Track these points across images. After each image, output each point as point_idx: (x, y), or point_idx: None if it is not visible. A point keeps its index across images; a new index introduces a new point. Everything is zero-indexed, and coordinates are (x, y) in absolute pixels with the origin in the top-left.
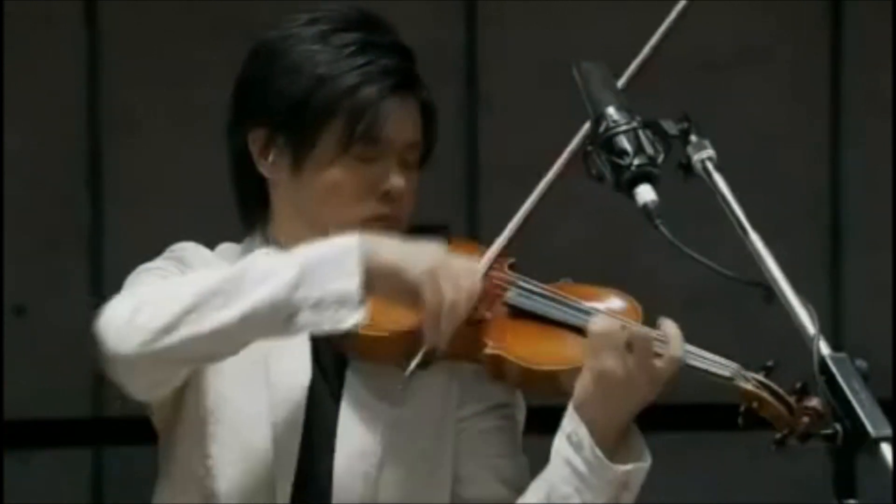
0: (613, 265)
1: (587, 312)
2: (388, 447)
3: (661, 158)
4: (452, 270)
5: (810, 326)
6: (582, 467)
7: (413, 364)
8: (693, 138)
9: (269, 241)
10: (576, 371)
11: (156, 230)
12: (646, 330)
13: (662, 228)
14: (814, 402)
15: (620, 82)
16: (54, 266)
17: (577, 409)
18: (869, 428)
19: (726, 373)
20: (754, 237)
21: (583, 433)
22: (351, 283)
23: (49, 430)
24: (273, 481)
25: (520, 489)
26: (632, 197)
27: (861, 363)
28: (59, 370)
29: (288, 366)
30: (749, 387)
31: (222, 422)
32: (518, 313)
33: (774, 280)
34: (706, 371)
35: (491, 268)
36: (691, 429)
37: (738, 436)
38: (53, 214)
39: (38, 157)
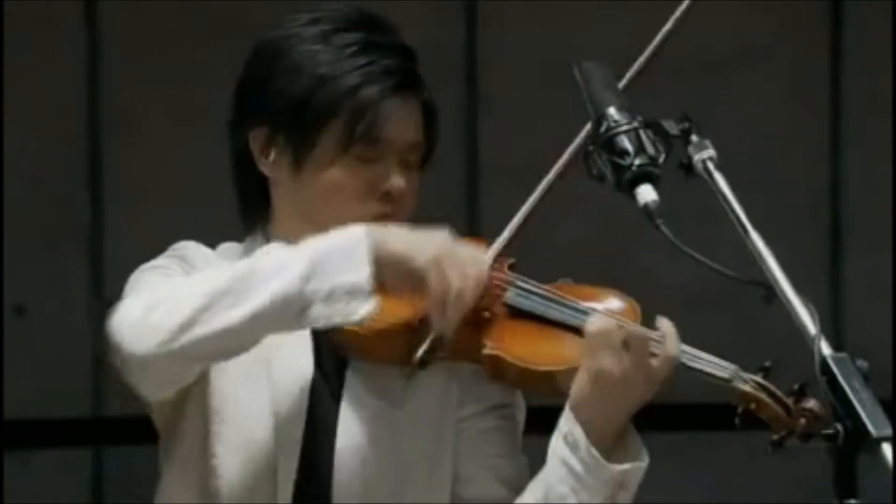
0: (613, 265)
1: (586, 313)
2: (387, 447)
3: (662, 158)
4: (459, 259)
5: (811, 326)
6: (578, 467)
7: (421, 351)
8: (694, 138)
9: (269, 240)
10: (574, 371)
11: (156, 230)
12: (642, 329)
13: (663, 228)
14: (811, 403)
15: (622, 83)
16: (54, 266)
17: (574, 409)
18: (870, 428)
19: (724, 374)
20: (755, 237)
21: (579, 433)
22: (361, 273)
23: (49, 430)
24: (275, 478)
25: (519, 489)
26: (633, 197)
27: (862, 363)
28: (59, 370)
29: (289, 361)
30: (747, 388)
31: (226, 421)
32: (517, 313)
33: (775, 280)
34: (704, 372)
35: (494, 263)
36: (691, 429)
37: (737, 436)
38: (53, 214)
39: (38, 157)
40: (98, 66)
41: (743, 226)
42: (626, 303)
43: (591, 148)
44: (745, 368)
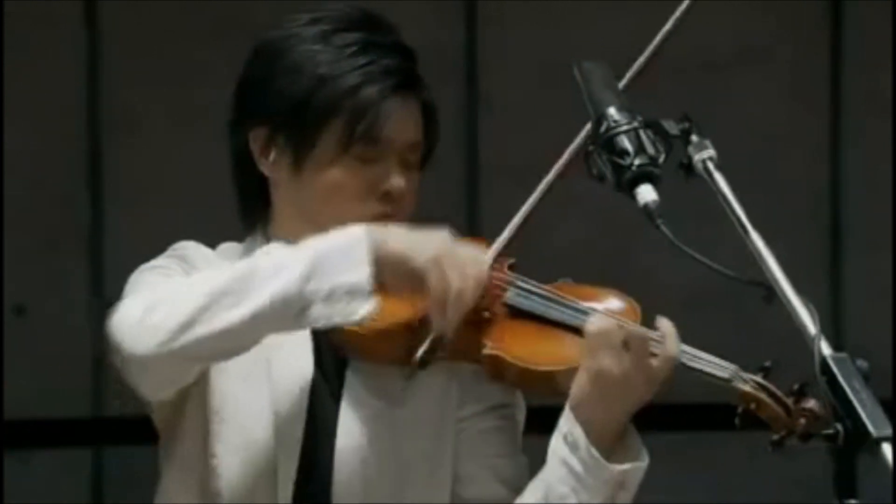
0: (613, 265)
1: (586, 313)
2: (387, 447)
3: (662, 158)
4: (459, 258)
5: (811, 326)
6: (578, 467)
7: (421, 351)
8: (694, 138)
9: (269, 240)
10: (574, 371)
11: (156, 230)
12: (642, 329)
13: (664, 228)
14: (811, 403)
15: (622, 83)
16: (54, 266)
17: (574, 408)
18: (870, 428)
19: (724, 374)
20: (755, 237)
21: (579, 433)
22: (361, 273)
23: (49, 430)
24: (275, 478)
25: (519, 489)
26: (633, 197)
27: (862, 363)
28: (59, 370)
29: (289, 361)
30: (747, 388)
31: (226, 421)
32: (517, 313)
33: (775, 280)
34: (704, 372)
35: (494, 263)
36: (691, 429)
37: (737, 436)
38: (53, 214)
39: (38, 157)
40: (98, 66)
41: (743, 226)
42: (626, 303)
43: (591, 148)
44: (745, 368)
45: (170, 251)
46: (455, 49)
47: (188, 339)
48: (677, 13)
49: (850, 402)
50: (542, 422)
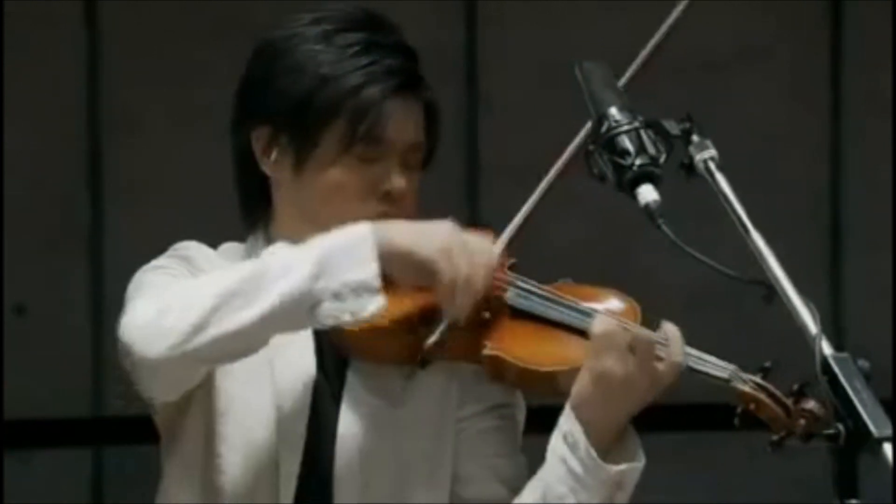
0: (613, 265)
1: (586, 313)
2: (387, 447)
3: (663, 158)
4: (468, 246)
5: (812, 326)
6: (577, 468)
7: (432, 339)
8: (695, 138)
9: (271, 240)
10: (575, 372)
11: (156, 230)
12: (648, 333)
13: (665, 228)
14: (811, 404)
15: (621, 82)
16: (54, 266)
17: (575, 409)
18: (871, 428)
19: (723, 374)
20: (756, 237)
21: (579, 434)
22: (368, 271)
23: (49, 430)
24: (278, 477)
25: (518, 489)
26: (634, 197)
27: (863, 363)
28: (59, 370)
29: (292, 361)
30: (746, 389)
31: (230, 421)
32: (517, 314)
33: (776, 279)
34: (703, 373)
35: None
36: (691, 429)
37: (737, 436)
38: (53, 214)
39: (38, 157)
40: (98, 66)
41: (744, 226)
42: (626, 303)
43: (592, 148)
44: (746, 369)
45: (171, 251)
46: (455, 49)
47: (200, 341)
48: (675, 12)
49: (851, 402)
50: (542, 421)
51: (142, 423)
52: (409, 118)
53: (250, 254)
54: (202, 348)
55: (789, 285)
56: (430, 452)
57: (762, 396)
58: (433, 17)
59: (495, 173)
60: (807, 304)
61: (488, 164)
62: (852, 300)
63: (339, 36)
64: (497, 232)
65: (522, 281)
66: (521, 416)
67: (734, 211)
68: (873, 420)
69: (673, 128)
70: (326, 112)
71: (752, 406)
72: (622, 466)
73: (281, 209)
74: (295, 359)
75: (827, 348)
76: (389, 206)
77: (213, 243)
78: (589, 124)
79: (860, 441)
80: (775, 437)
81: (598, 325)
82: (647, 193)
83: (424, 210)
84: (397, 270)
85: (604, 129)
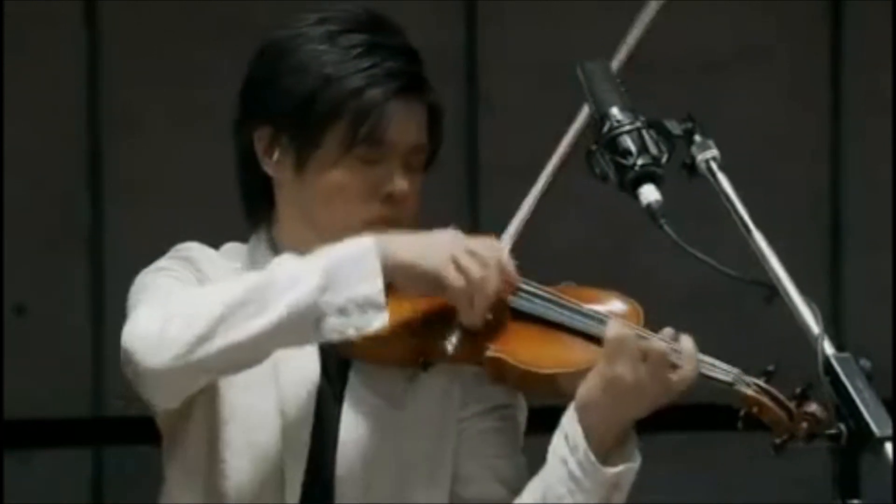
0: (613, 265)
1: (588, 316)
2: (389, 448)
3: (664, 158)
4: (475, 250)
5: (814, 326)
6: (576, 470)
7: (451, 345)
8: (697, 138)
9: (273, 241)
10: (577, 374)
11: (156, 230)
12: (662, 343)
13: (667, 228)
14: (813, 407)
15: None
16: (54, 266)
17: (580, 410)
18: (873, 427)
19: (727, 378)
20: (758, 237)
21: (579, 436)
22: (374, 286)
23: (49, 430)
24: (283, 481)
25: (518, 490)
26: (636, 197)
27: (865, 363)
28: (59, 370)
29: (296, 366)
30: (749, 392)
31: (236, 428)
32: (519, 316)
33: (778, 280)
34: (707, 376)
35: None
36: (691, 429)
37: (738, 436)
38: (53, 214)
39: (38, 157)
40: (98, 66)
41: (746, 226)
42: (629, 305)
43: (593, 147)
44: (747, 370)
45: (173, 252)
46: (455, 49)
47: (205, 352)
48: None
49: (853, 402)
50: (542, 422)
51: (142, 423)
52: (411, 120)
53: (252, 254)
54: (207, 359)
55: (791, 285)
56: (431, 453)
57: (765, 400)
58: (433, 17)
59: (495, 173)
60: (809, 305)
61: (488, 164)
62: (852, 300)
63: (343, 37)
64: (498, 235)
65: (525, 283)
66: (523, 417)
67: (736, 211)
68: (875, 420)
69: (675, 128)
70: (328, 113)
71: (755, 409)
72: (619, 468)
73: (283, 210)
74: (299, 363)
75: (829, 348)
76: (391, 208)
77: (214, 243)
78: (582, 117)
79: (862, 441)
80: (778, 440)
81: (611, 330)
82: (649, 193)
83: (424, 211)
84: (403, 283)
85: (606, 129)
